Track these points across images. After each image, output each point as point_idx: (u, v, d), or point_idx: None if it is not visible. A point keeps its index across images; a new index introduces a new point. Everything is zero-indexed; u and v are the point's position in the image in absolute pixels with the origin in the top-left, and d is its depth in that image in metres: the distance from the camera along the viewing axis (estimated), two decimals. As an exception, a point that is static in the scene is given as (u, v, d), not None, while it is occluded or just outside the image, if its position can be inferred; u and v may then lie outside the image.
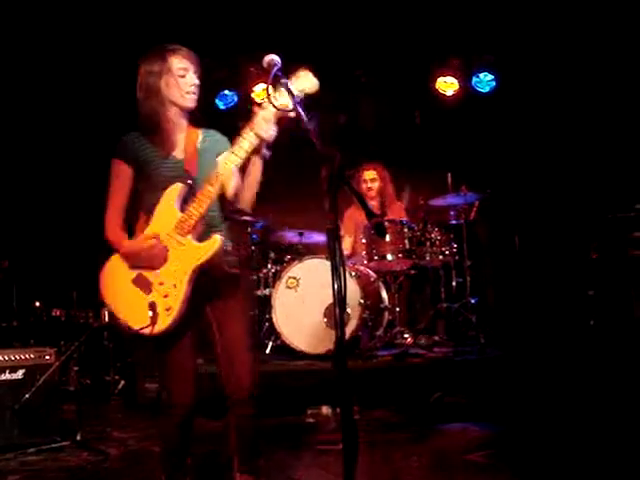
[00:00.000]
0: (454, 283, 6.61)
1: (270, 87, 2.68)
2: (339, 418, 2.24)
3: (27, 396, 4.32)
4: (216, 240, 2.80)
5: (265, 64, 2.72)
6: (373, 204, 6.51)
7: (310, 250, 6.53)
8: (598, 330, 6.30)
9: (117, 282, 2.88)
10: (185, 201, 2.85)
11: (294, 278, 5.79)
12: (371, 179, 6.56)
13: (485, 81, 7.84)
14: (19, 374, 4.41)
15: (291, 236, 6.65)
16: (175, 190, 2.86)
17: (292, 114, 2.62)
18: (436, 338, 6.23)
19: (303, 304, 5.71)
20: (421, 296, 6.40)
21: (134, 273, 2.84)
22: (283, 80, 2.61)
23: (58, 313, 5.69)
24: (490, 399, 4.90)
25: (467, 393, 4.98)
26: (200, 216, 2.80)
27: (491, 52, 7.71)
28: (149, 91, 2.89)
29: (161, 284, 2.79)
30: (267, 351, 6.08)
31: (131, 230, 2.97)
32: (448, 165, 6.68)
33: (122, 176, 2.92)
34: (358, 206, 6.44)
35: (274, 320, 5.78)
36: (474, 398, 4.92)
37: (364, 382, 4.94)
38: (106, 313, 5.73)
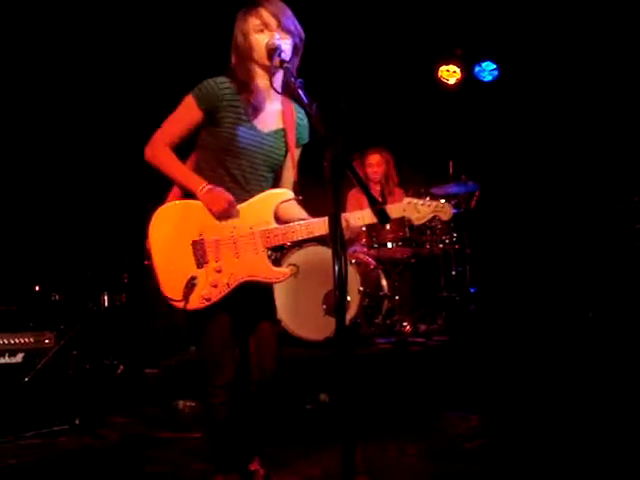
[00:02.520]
0: (454, 272, 6.61)
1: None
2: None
3: (26, 380, 4.32)
4: (285, 274, 2.76)
5: (266, 48, 2.72)
6: (377, 189, 6.51)
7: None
8: (596, 322, 6.30)
9: (174, 232, 2.71)
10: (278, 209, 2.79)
11: (294, 265, 5.77)
12: (376, 162, 6.54)
13: (487, 70, 7.82)
14: (18, 358, 4.42)
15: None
16: (283, 196, 2.81)
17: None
18: (435, 326, 6.24)
19: (302, 291, 5.70)
20: (420, 284, 6.40)
21: (198, 236, 2.70)
22: (286, 64, 2.60)
23: (57, 297, 5.68)
24: (488, 388, 4.90)
25: (465, 381, 4.98)
26: (291, 241, 2.78)
27: (493, 41, 7.68)
28: (238, 53, 2.81)
29: (218, 271, 2.69)
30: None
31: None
32: (449, 153, 6.67)
33: (189, 114, 2.79)
34: (359, 192, 6.45)
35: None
36: (472, 386, 4.92)
37: (362, 370, 4.94)
38: (106, 297, 5.73)
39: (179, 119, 2.79)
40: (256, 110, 2.81)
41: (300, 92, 2.50)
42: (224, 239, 2.71)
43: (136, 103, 6.48)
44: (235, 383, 2.81)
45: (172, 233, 2.71)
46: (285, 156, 2.95)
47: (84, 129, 6.52)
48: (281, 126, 2.90)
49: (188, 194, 2.76)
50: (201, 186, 2.70)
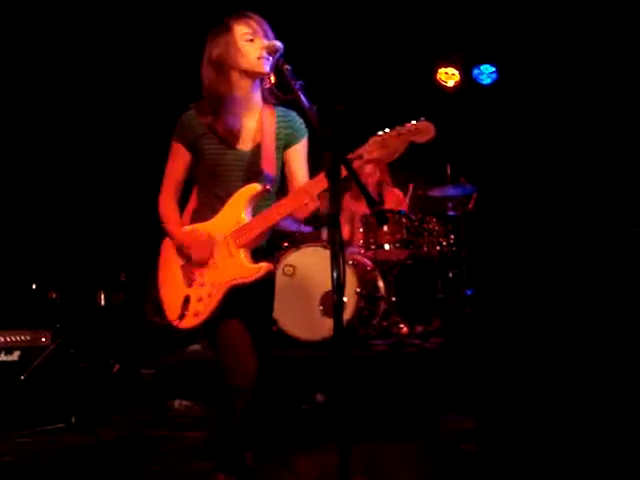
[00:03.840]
0: (450, 274, 6.61)
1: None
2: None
3: (22, 378, 4.32)
4: (261, 269, 2.70)
5: (267, 50, 2.72)
6: (371, 190, 6.50)
7: (307, 238, 6.51)
8: (595, 324, 6.31)
9: (169, 261, 2.86)
10: (255, 206, 2.77)
11: (291, 266, 5.77)
12: (370, 172, 6.51)
13: (486, 73, 7.83)
14: (15, 356, 4.41)
15: (288, 223, 6.63)
16: (250, 191, 2.75)
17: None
18: (431, 328, 6.24)
19: (299, 292, 5.70)
20: (417, 286, 6.40)
21: (185, 258, 2.81)
22: (286, 66, 2.60)
23: (54, 296, 5.68)
24: (484, 389, 4.91)
25: (461, 383, 4.99)
26: (265, 231, 2.74)
27: (492, 44, 7.69)
28: (216, 67, 2.76)
29: (202, 285, 2.74)
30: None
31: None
32: (448, 156, 6.68)
33: (179, 158, 2.85)
34: (353, 195, 6.45)
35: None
36: (468, 388, 4.93)
37: (359, 371, 4.95)
38: (102, 296, 5.73)
39: (173, 166, 2.88)
40: (232, 131, 2.80)
41: (300, 94, 2.50)
42: (196, 255, 2.78)
43: (133, 104, 6.49)
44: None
45: (168, 260, 2.87)
46: (282, 161, 2.93)
47: (81, 125, 6.53)
48: (258, 140, 2.85)
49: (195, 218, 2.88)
50: (179, 230, 2.83)
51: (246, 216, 2.73)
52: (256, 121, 2.86)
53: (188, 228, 2.83)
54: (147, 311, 2.93)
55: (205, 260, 2.74)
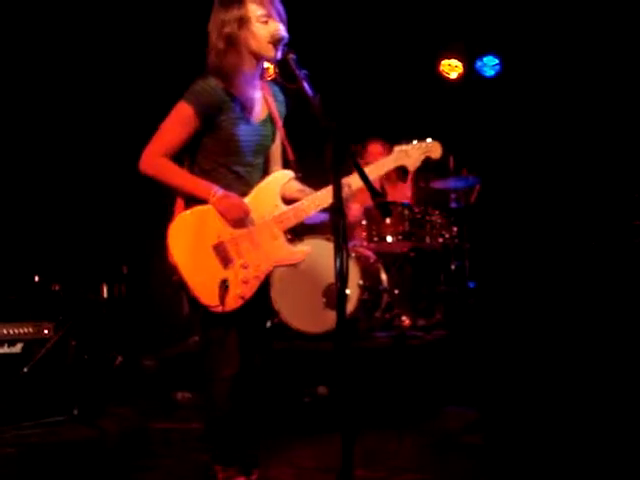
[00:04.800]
0: (453, 267, 6.60)
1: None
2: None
3: (25, 370, 4.32)
4: (304, 253, 2.82)
5: (272, 39, 2.70)
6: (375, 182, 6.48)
7: (310, 230, 6.50)
8: (596, 317, 6.31)
9: (194, 242, 2.73)
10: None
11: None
12: (379, 152, 6.48)
13: (489, 64, 7.80)
14: (17, 348, 4.41)
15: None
16: (284, 178, 2.84)
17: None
18: (434, 321, 6.23)
19: (302, 284, 5.68)
20: (420, 279, 6.39)
21: (216, 239, 2.72)
22: (291, 55, 2.59)
23: (57, 288, 5.68)
24: (487, 382, 4.91)
25: (464, 375, 4.99)
26: (304, 219, 2.81)
27: (495, 36, 7.66)
28: (228, 41, 2.70)
29: (245, 267, 2.71)
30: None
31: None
32: (450, 148, 6.65)
33: (188, 124, 2.73)
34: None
35: (272, 299, 5.76)
36: (471, 381, 4.93)
37: (361, 363, 4.94)
38: (105, 288, 5.73)
39: (175, 128, 2.74)
40: (247, 104, 2.79)
41: (304, 83, 2.49)
42: (241, 235, 2.74)
43: (132, 104, 6.48)
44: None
45: (192, 244, 2.73)
46: (273, 139, 2.96)
47: (84, 118, 6.51)
48: (267, 112, 2.89)
49: (191, 201, 2.76)
50: (212, 192, 2.71)
51: (280, 202, 2.80)
52: (260, 94, 2.87)
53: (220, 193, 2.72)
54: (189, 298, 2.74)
55: (242, 224, 2.72)
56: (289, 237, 2.84)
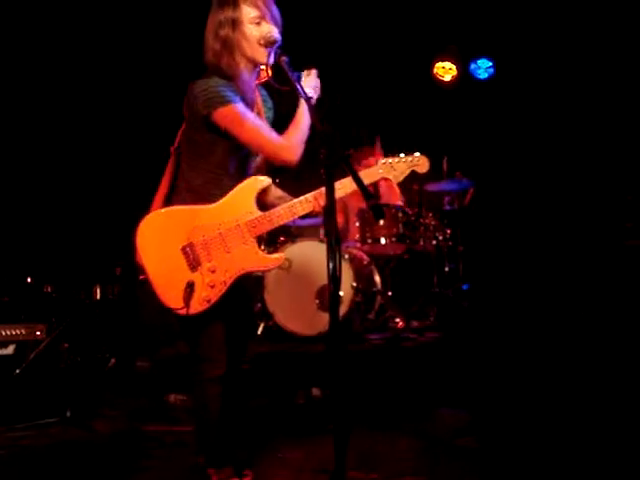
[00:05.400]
0: (447, 269, 6.62)
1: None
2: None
3: (17, 371, 4.31)
4: (277, 260, 2.77)
5: (264, 41, 2.70)
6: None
7: (304, 232, 6.51)
8: (589, 318, 6.32)
9: (162, 242, 2.71)
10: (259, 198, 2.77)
11: (287, 259, 5.76)
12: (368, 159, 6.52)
13: (483, 67, 7.82)
14: (10, 349, 4.40)
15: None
16: (260, 184, 2.78)
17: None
18: (427, 323, 6.25)
19: (295, 286, 5.70)
20: (413, 281, 6.41)
21: (186, 240, 2.70)
22: (284, 57, 2.59)
23: (49, 289, 5.67)
24: (480, 384, 4.91)
25: (457, 377, 4.99)
26: (278, 225, 2.75)
27: (489, 38, 7.68)
28: (224, 43, 2.71)
29: (212, 271, 2.69)
30: (259, 332, 6.07)
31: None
32: (444, 150, 6.67)
33: (250, 112, 2.77)
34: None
35: (266, 301, 5.77)
36: (464, 382, 4.93)
37: (355, 365, 4.95)
38: (98, 290, 5.72)
39: (255, 122, 2.74)
40: (249, 105, 2.79)
41: (297, 86, 2.50)
42: (212, 238, 2.72)
43: (124, 99, 6.48)
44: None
45: (160, 243, 2.72)
46: None
47: (76, 121, 6.50)
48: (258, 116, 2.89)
49: (170, 200, 2.79)
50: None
51: (255, 208, 2.74)
52: (255, 97, 2.88)
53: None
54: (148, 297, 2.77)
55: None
56: (261, 244, 2.82)
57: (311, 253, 5.71)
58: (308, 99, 2.47)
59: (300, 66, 2.72)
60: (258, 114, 2.86)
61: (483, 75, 7.82)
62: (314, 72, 2.79)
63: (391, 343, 5.55)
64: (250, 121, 2.70)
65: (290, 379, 4.90)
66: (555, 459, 3.50)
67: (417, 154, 2.89)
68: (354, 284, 5.59)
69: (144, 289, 2.81)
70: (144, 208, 2.85)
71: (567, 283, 6.82)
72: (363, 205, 5.95)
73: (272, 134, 2.75)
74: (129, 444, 3.96)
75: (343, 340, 5.11)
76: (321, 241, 5.61)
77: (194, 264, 2.69)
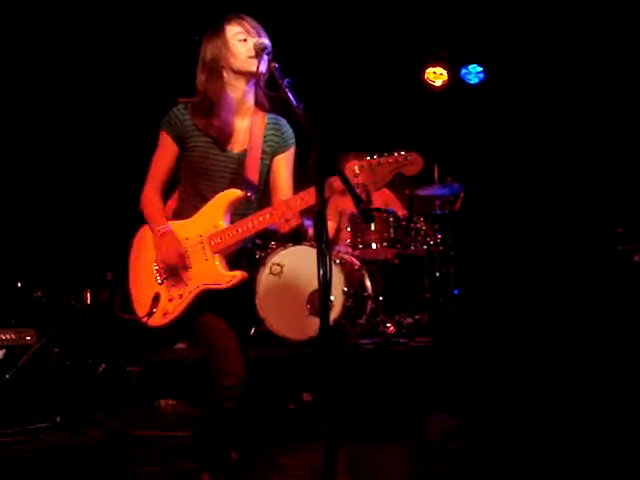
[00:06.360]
0: (437, 274, 6.63)
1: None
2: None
3: (7, 376, 4.29)
4: (235, 277, 2.68)
5: (255, 48, 2.71)
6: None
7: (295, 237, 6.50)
8: (579, 323, 6.34)
9: (143, 253, 2.84)
10: (234, 212, 2.75)
11: (278, 264, 5.76)
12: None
13: (474, 72, 7.84)
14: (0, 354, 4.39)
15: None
16: (230, 196, 2.74)
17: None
18: (418, 327, 6.24)
19: (287, 291, 5.69)
20: (404, 285, 6.41)
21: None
22: (274, 64, 2.60)
23: (40, 294, 5.65)
24: (470, 389, 4.92)
25: (448, 382, 5.00)
26: (243, 241, 2.72)
27: (480, 44, 7.71)
28: (210, 69, 2.76)
29: (173, 285, 2.73)
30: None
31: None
32: (435, 155, 6.69)
33: (167, 150, 2.82)
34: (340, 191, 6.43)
35: (257, 306, 5.75)
36: (455, 387, 4.94)
37: (346, 370, 4.95)
38: (88, 295, 5.70)
39: (160, 157, 2.84)
40: (224, 132, 2.78)
41: (288, 92, 2.50)
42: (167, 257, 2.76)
43: (117, 104, 6.47)
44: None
45: (141, 254, 2.85)
46: (268, 168, 2.92)
47: (67, 125, 6.49)
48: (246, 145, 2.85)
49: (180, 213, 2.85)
50: (159, 227, 2.78)
51: (224, 221, 2.72)
52: (247, 125, 2.84)
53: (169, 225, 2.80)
54: (115, 306, 2.84)
55: (174, 265, 2.72)
56: (227, 258, 2.72)
57: (302, 258, 5.70)
58: (297, 105, 2.47)
59: (291, 73, 2.72)
60: (251, 137, 2.83)
61: (474, 80, 7.84)
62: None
63: (382, 348, 5.55)
64: (156, 153, 2.85)
65: (281, 384, 4.90)
66: (545, 463, 3.51)
67: (403, 152, 2.47)
68: (345, 289, 5.58)
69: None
70: (135, 214, 2.88)
71: (558, 288, 6.84)
72: (354, 208, 5.95)
73: (152, 178, 2.83)
74: (120, 449, 3.95)
75: (334, 345, 5.12)
76: (312, 246, 5.60)
77: (162, 277, 2.77)
